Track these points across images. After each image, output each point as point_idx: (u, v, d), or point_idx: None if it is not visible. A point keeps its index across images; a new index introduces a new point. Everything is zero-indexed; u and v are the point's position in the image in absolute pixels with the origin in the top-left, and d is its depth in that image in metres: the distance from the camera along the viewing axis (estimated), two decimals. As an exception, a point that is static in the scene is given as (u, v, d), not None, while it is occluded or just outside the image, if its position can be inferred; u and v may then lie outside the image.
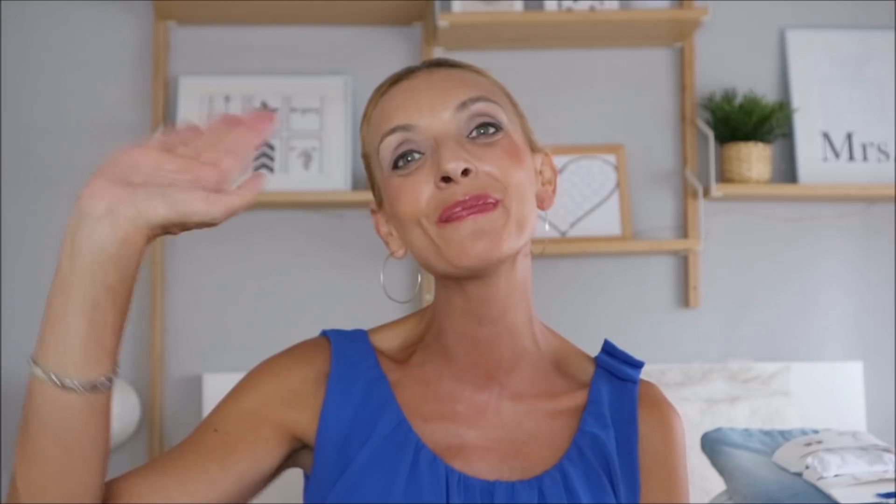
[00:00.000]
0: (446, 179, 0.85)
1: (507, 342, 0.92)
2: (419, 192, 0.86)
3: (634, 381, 0.97)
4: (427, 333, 0.96)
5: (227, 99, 2.76)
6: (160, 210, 0.75)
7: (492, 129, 0.89)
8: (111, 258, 0.75)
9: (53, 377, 0.77)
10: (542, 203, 0.94)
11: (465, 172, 0.85)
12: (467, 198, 0.84)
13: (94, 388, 0.78)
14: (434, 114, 0.88)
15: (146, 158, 0.77)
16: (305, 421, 0.90)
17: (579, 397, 0.94)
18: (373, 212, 0.97)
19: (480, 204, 0.84)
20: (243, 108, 2.76)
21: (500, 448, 0.90)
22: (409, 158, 0.88)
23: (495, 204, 0.85)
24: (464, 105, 0.88)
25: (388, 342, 0.96)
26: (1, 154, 2.73)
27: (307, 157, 2.73)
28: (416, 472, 0.87)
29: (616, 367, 0.97)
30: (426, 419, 0.91)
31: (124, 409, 2.49)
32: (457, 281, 0.89)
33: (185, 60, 2.79)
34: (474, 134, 0.88)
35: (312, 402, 0.90)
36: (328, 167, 2.72)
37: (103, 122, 2.76)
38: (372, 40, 2.83)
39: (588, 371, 0.97)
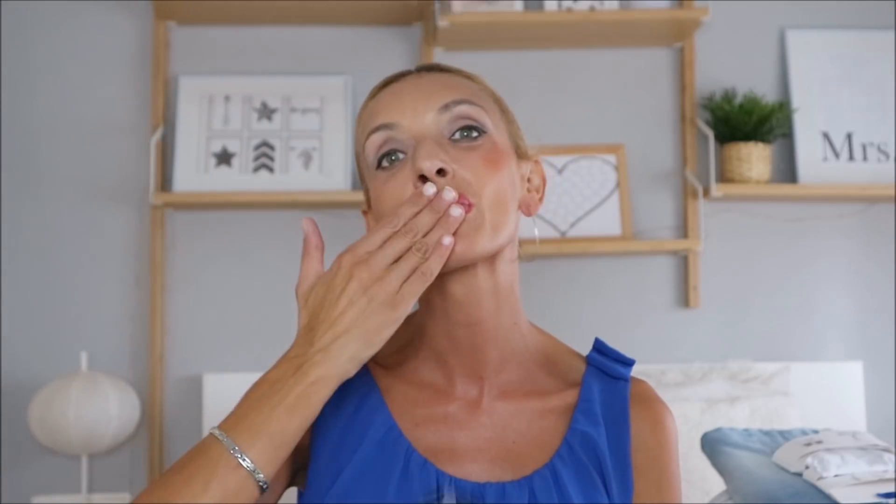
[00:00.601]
0: (423, 179, 0.86)
1: (493, 344, 0.92)
2: (400, 193, 0.88)
3: (626, 379, 0.96)
4: (415, 337, 0.96)
5: (227, 99, 2.76)
6: None
7: (474, 133, 0.90)
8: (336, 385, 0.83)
9: (251, 466, 0.80)
10: (528, 209, 0.95)
11: (441, 172, 0.86)
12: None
13: (263, 492, 0.83)
14: (417, 115, 0.89)
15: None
16: (306, 440, 0.91)
17: (570, 396, 0.94)
18: (364, 212, 0.98)
19: (455, 202, 0.86)
20: (243, 108, 2.76)
21: (491, 449, 0.91)
22: (393, 158, 0.90)
23: (469, 207, 0.86)
24: (446, 107, 0.90)
25: None
26: (1, 154, 2.73)
27: (307, 157, 2.73)
28: (407, 477, 0.87)
29: (607, 365, 0.97)
30: (417, 423, 0.91)
31: (124, 408, 2.49)
32: (437, 280, 0.89)
33: (185, 60, 2.79)
34: (457, 136, 0.90)
35: None
36: (328, 167, 2.72)
37: (103, 122, 2.76)
38: (372, 40, 2.83)
39: (579, 369, 0.97)
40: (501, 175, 0.89)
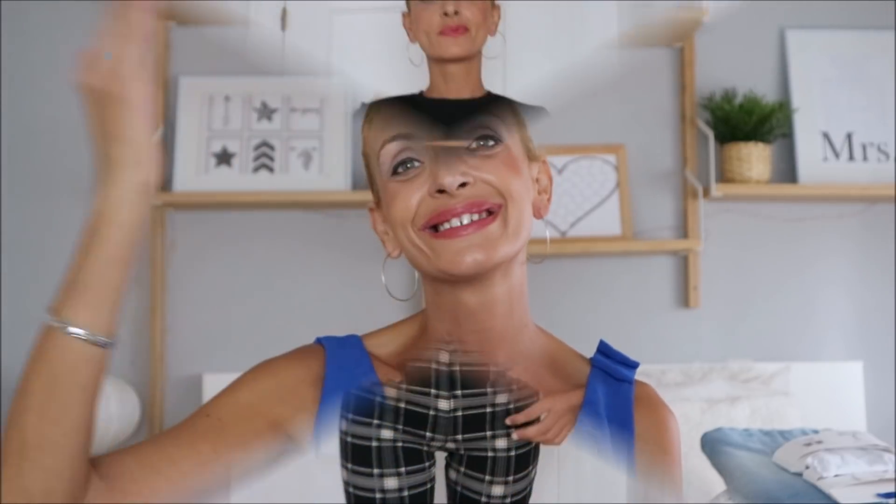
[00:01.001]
0: (441, 191, 0.87)
1: (501, 347, 0.93)
2: (412, 198, 0.88)
3: (630, 382, 0.97)
4: (422, 337, 0.96)
5: (227, 99, 2.76)
6: None
7: (491, 142, 0.90)
8: (145, 213, 0.82)
9: (86, 334, 0.78)
10: (539, 212, 0.96)
11: (462, 185, 0.87)
12: (461, 206, 0.87)
13: (113, 346, 0.80)
14: (434, 125, 0.90)
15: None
16: (299, 421, 0.91)
17: (575, 397, 0.94)
18: (371, 210, 0.98)
19: (475, 210, 0.87)
20: (243, 108, 2.76)
21: None
22: (409, 165, 0.90)
23: (494, 215, 0.87)
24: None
25: (383, 347, 0.97)
26: (1, 154, 2.73)
27: (307, 157, 2.73)
28: None
29: (612, 368, 0.97)
30: None
31: (124, 408, 2.49)
32: (451, 288, 0.90)
33: (185, 60, 2.79)
34: (474, 146, 0.90)
35: (308, 403, 0.91)
36: (328, 167, 2.72)
37: (103, 122, 2.76)
38: (372, 40, 2.83)
39: (584, 371, 0.97)
40: (521, 179, 0.90)
